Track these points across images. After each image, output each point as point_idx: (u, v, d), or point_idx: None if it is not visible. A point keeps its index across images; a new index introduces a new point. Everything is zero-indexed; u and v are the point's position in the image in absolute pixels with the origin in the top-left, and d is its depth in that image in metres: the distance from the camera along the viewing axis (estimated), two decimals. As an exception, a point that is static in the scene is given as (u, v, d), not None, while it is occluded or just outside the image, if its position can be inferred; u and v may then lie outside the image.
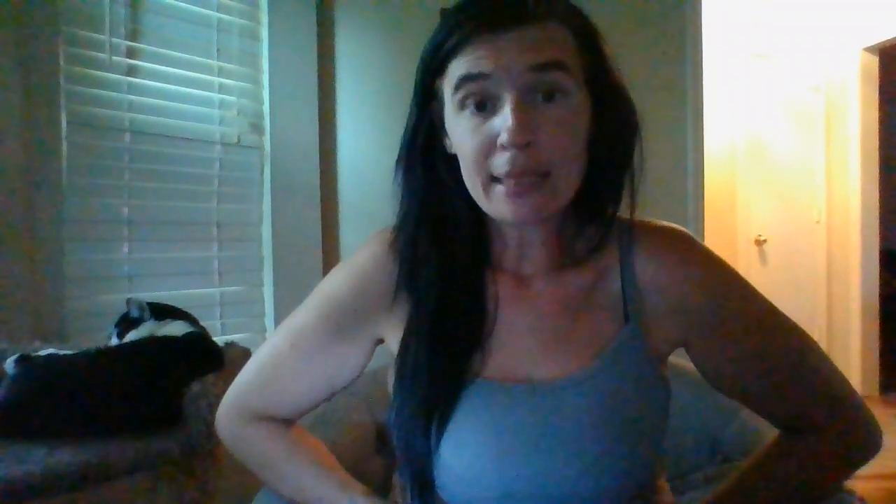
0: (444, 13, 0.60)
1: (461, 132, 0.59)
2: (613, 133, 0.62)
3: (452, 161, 0.62)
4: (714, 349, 0.65)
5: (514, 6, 0.56)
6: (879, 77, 3.65)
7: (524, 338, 0.64)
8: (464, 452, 0.60)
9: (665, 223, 0.68)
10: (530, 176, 0.56)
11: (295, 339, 0.71)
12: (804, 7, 3.83)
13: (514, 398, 0.60)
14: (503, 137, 0.55)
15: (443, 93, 0.61)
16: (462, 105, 0.58)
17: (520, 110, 0.55)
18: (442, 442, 0.60)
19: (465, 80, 0.56)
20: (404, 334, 0.66)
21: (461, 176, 0.61)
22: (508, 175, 0.56)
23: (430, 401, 0.61)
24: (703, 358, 0.66)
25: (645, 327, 0.63)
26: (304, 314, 0.71)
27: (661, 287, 0.64)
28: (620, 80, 0.63)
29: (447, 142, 0.63)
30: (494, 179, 0.58)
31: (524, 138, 0.54)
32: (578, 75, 0.58)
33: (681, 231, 0.67)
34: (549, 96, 0.56)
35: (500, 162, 0.56)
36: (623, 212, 0.65)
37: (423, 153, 0.64)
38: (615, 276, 0.65)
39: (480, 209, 0.63)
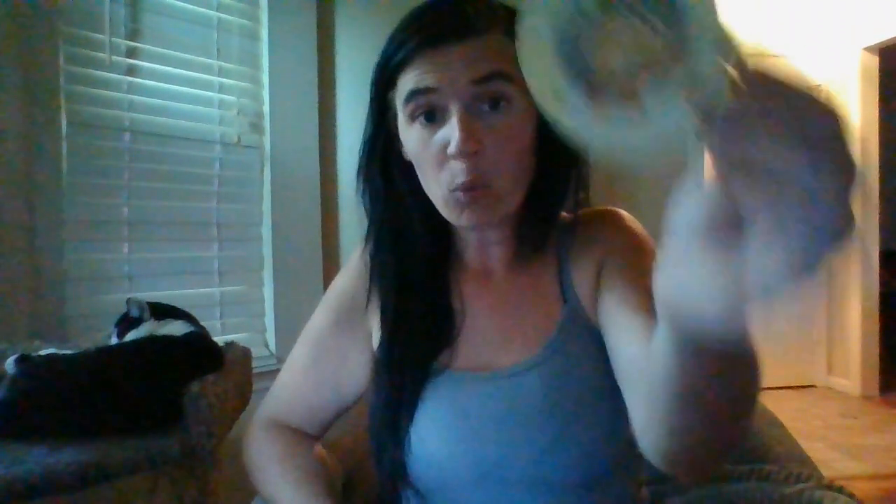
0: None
1: (413, 144, 0.62)
2: (559, 136, 0.63)
3: (409, 167, 0.65)
4: (607, 296, 0.62)
5: (457, 22, 0.59)
6: (879, 77, 3.65)
7: (486, 329, 0.68)
8: (431, 441, 0.63)
9: (601, 207, 0.71)
10: (478, 188, 0.59)
11: (307, 337, 0.76)
12: (804, 7, 3.83)
13: (476, 386, 0.64)
14: (451, 148, 0.58)
15: (394, 104, 0.64)
16: (412, 117, 0.61)
17: (465, 121, 0.58)
18: (411, 433, 0.63)
19: (413, 94, 0.60)
20: (381, 332, 0.69)
21: (417, 181, 0.64)
22: (460, 186, 0.59)
23: (396, 394, 0.65)
24: (602, 312, 0.62)
25: (582, 304, 0.65)
26: (316, 314, 0.77)
27: (582, 258, 0.67)
28: None
29: (403, 149, 0.66)
30: (449, 189, 0.61)
31: (471, 147, 0.57)
32: (523, 83, 0.59)
33: (610, 209, 0.70)
34: (495, 105, 0.59)
35: (452, 172, 0.59)
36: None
37: (382, 162, 0.68)
38: (554, 263, 0.69)
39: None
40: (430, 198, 0.64)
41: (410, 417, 0.64)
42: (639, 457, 0.68)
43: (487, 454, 0.61)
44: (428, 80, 0.58)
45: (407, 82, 0.60)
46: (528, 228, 0.68)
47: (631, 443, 0.65)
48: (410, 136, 0.62)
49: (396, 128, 0.65)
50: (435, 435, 0.63)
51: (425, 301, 0.68)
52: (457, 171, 0.59)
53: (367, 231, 0.70)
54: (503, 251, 0.69)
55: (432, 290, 0.69)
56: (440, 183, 0.61)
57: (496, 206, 0.61)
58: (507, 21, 0.61)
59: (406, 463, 0.64)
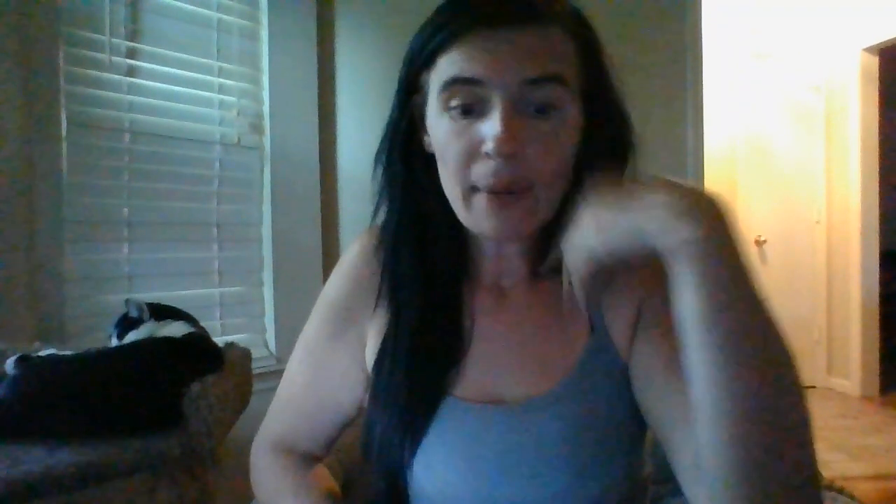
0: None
1: (442, 134, 0.55)
2: (605, 149, 0.58)
3: (430, 160, 0.59)
4: (645, 348, 0.58)
5: (520, 3, 0.52)
6: (879, 77, 3.65)
7: (498, 354, 0.61)
8: (434, 474, 0.58)
9: None
10: (512, 192, 0.53)
11: (304, 351, 0.70)
12: (804, 7, 3.83)
13: (484, 420, 0.58)
14: (488, 146, 0.51)
15: (428, 86, 0.57)
16: (447, 106, 0.54)
17: (509, 119, 0.51)
18: (414, 462, 0.58)
19: (455, 82, 0.52)
20: (381, 344, 0.63)
21: (438, 176, 0.58)
22: (490, 188, 0.53)
23: (406, 418, 0.59)
24: (636, 361, 0.59)
25: (610, 337, 0.60)
26: (310, 322, 0.70)
27: (617, 292, 0.60)
28: (620, 97, 0.59)
29: (426, 139, 0.60)
30: (474, 189, 0.54)
31: (511, 149, 0.51)
32: (575, 89, 0.54)
33: None
34: (543, 109, 0.52)
35: (483, 171, 0.53)
36: None
37: (403, 150, 0.61)
38: None
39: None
40: (448, 195, 0.57)
41: (415, 446, 0.58)
42: (647, 483, 0.67)
43: (500, 492, 0.56)
44: (474, 70, 0.51)
45: (450, 66, 0.52)
46: (555, 244, 0.59)
47: (644, 472, 0.64)
48: (440, 125, 0.55)
49: (423, 114, 0.59)
50: (441, 470, 0.58)
51: (441, 318, 0.61)
52: (487, 171, 0.52)
53: (384, 227, 0.63)
54: (522, 267, 0.62)
55: (440, 302, 0.62)
56: (462, 180, 0.54)
57: (529, 215, 0.54)
58: (572, 18, 0.55)
59: (409, 493, 0.60)
